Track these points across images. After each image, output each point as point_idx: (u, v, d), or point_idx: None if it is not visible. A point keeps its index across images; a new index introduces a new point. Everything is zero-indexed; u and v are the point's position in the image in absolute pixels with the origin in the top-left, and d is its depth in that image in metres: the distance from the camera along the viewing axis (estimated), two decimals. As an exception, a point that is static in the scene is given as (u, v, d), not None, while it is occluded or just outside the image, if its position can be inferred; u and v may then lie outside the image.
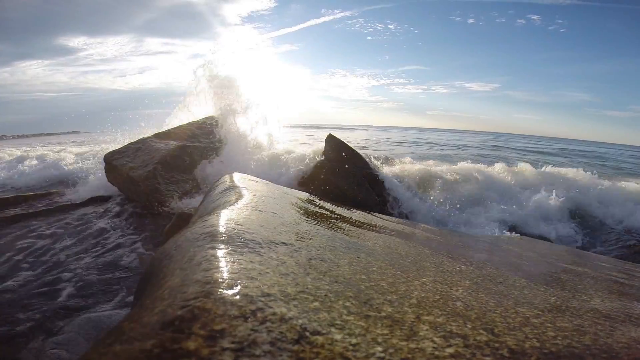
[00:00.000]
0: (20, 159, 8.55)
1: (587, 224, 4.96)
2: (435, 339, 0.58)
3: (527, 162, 7.40)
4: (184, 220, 3.47)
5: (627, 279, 1.64)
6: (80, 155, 8.55)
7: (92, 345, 0.52)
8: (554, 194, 5.28)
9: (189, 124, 6.37)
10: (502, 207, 4.96)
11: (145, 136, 5.95)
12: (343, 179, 4.64)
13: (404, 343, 0.54)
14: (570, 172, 6.69)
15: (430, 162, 7.05)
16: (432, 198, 4.95)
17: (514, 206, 5.02)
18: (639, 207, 5.06)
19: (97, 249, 3.32)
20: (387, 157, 7.10)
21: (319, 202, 2.17)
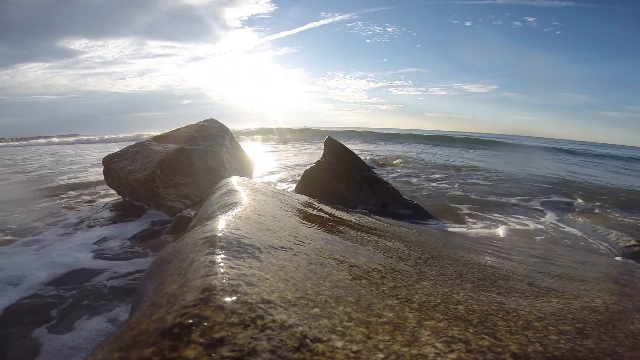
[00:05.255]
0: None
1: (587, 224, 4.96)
2: (437, 344, 0.57)
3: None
4: (183, 223, 3.46)
5: (628, 280, 1.63)
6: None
7: (91, 352, 0.51)
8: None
9: (188, 126, 6.35)
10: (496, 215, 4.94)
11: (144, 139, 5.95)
12: (342, 181, 4.64)
13: (405, 349, 0.54)
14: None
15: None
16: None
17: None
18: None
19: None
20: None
21: (318, 205, 2.17)
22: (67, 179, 7.24)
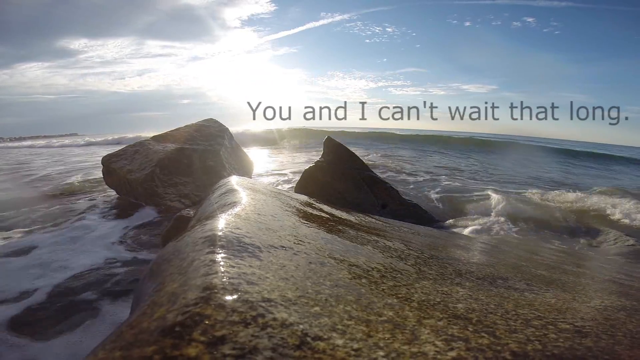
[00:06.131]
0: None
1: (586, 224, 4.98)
2: (437, 342, 0.58)
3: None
4: (183, 223, 3.46)
5: (626, 279, 1.64)
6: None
7: (92, 350, 0.51)
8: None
9: (187, 126, 6.35)
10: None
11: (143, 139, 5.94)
12: (341, 181, 4.64)
13: (406, 347, 0.54)
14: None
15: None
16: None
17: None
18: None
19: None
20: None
21: (318, 205, 2.17)
22: (70, 179, 7.24)
